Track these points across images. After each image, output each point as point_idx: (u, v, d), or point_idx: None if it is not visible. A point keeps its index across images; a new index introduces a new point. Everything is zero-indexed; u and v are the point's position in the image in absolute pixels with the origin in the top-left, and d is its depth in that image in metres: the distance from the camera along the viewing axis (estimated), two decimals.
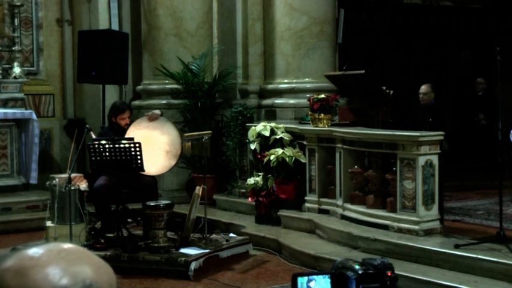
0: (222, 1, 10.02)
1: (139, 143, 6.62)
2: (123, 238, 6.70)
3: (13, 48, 10.06)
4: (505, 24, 13.33)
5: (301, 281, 1.65)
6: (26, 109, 9.74)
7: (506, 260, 5.44)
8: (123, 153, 6.61)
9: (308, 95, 8.05)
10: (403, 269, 5.60)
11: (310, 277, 1.66)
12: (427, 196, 6.37)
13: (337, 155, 7.29)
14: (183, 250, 6.61)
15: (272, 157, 7.76)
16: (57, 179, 7.20)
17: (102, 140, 6.75)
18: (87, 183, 7.21)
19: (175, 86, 9.53)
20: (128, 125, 7.25)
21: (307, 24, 8.98)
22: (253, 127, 8.22)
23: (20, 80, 9.89)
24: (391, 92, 7.60)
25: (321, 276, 1.66)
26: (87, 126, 7.64)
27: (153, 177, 7.08)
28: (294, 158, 7.75)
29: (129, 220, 7.44)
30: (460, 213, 7.50)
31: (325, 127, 7.57)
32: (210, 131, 7.79)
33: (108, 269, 1.16)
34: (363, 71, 7.33)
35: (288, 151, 7.79)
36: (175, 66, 9.41)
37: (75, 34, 10.20)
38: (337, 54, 9.64)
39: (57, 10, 10.72)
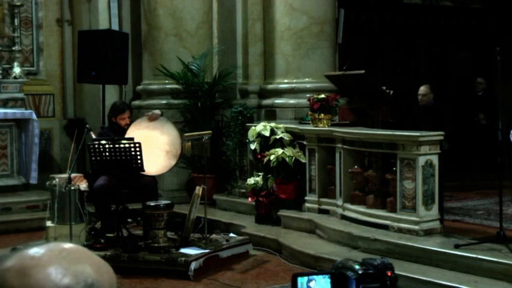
0: (222, 1, 10.02)
1: (139, 143, 6.62)
2: (123, 238, 6.70)
3: (13, 48, 10.06)
4: (505, 24, 13.33)
5: (301, 281, 1.65)
6: (26, 109, 9.74)
7: (506, 260, 5.44)
8: (123, 153, 6.61)
9: (308, 95, 8.05)
10: (403, 269, 5.60)
11: (310, 277, 1.66)
12: (427, 196, 6.37)
13: (337, 155, 7.29)
14: (183, 250, 6.61)
15: (272, 157, 7.76)
16: (57, 179, 7.20)
17: (102, 140, 6.75)
18: (87, 183, 7.21)
19: (175, 86, 9.53)
20: (128, 125, 7.25)
21: (307, 24, 8.98)
22: (253, 127, 8.22)
23: (20, 80, 9.89)
24: (391, 92, 7.60)
25: (321, 276, 1.66)
26: (87, 126, 7.64)
27: (153, 177, 7.08)
28: (294, 158, 7.76)
29: (129, 220, 7.44)
30: (460, 213, 7.50)
31: (325, 127, 7.57)
32: (210, 131, 7.79)
33: (108, 268, 1.16)
34: (363, 71, 7.33)
35: (288, 151, 7.79)
36: (175, 66, 9.41)
37: (75, 34, 10.20)
38: (337, 54, 9.64)
39: (57, 10, 10.72)
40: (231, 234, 7.42)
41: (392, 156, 6.65)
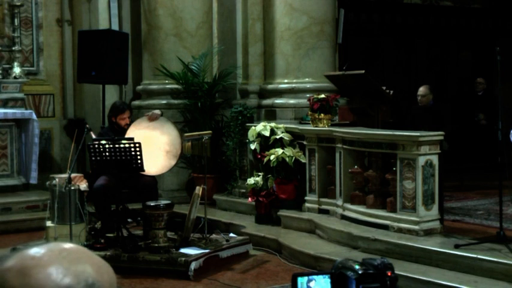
0: (222, 1, 10.02)
1: (139, 143, 6.62)
2: (123, 238, 6.70)
3: (13, 48, 10.06)
4: (505, 24, 13.33)
5: (301, 281, 1.65)
6: (26, 109, 9.74)
7: (506, 260, 5.44)
8: (123, 153, 6.61)
9: (308, 95, 8.06)
10: (403, 269, 5.60)
11: (310, 277, 1.66)
12: (427, 196, 6.37)
13: (337, 155, 7.29)
14: (183, 250, 6.61)
15: (272, 157, 7.76)
16: (57, 179, 7.20)
17: (102, 140, 6.75)
18: (87, 183, 7.21)
19: (175, 86, 9.53)
20: (128, 125, 7.26)
21: (307, 24, 8.98)
22: (253, 127, 8.22)
23: (20, 80, 9.89)
24: (391, 92, 7.60)
25: (321, 276, 1.66)
26: (87, 126, 7.64)
27: (153, 177, 7.08)
28: (294, 158, 7.76)
29: (129, 220, 7.44)
30: (460, 213, 7.50)
31: (325, 127, 7.57)
32: (210, 131, 7.79)
33: (109, 268, 1.16)
34: (363, 71, 7.33)
35: (288, 151, 7.79)
36: (175, 66, 9.41)
37: (75, 34, 10.20)
38: (337, 54, 9.64)
39: (57, 10, 10.72)
40: (231, 234, 7.42)
41: (392, 156, 6.65)
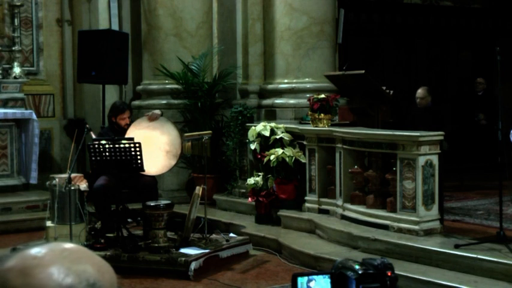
0: (222, 1, 10.02)
1: (139, 143, 6.62)
2: (123, 238, 6.70)
3: (13, 48, 10.06)
4: (505, 24, 13.34)
5: (301, 281, 1.65)
6: (26, 109, 9.74)
7: (506, 260, 5.44)
8: (123, 153, 6.61)
9: (308, 95, 8.06)
10: (403, 269, 5.60)
11: (310, 277, 1.66)
12: (427, 196, 6.37)
13: (337, 155, 7.29)
14: (183, 250, 6.62)
15: (272, 157, 7.76)
16: (57, 179, 7.20)
17: (102, 140, 6.75)
18: (87, 183, 7.21)
19: (175, 86, 9.53)
20: (128, 125, 7.26)
21: (307, 24, 8.98)
22: (253, 127, 8.22)
23: (20, 80, 9.89)
24: (391, 92, 7.60)
25: (321, 276, 1.66)
26: (87, 126, 7.64)
27: (153, 177, 7.08)
28: (294, 158, 7.76)
29: (129, 220, 7.44)
30: (460, 213, 7.50)
31: (325, 127, 7.57)
32: (210, 131, 7.79)
33: (109, 268, 1.16)
34: (363, 71, 7.33)
35: (288, 151, 7.79)
36: (175, 66, 9.41)
37: (75, 34, 10.20)
38: (337, 54, 9.64)
39: (57, 10, 10.72)
40: (231, 234, 7.42)
41: (392, 156, 6.65)
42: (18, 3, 10.07)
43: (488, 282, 5.40)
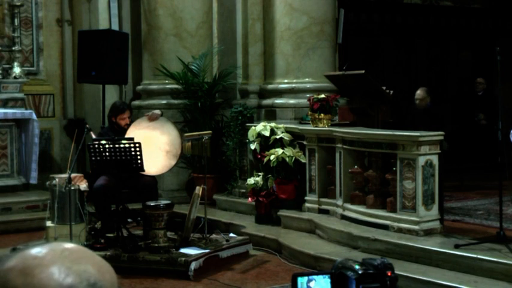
0: (222, 1, 10.02)
1: (139, 143, 6.62)
2: (123, 238, 6.70)
3: (13, 48, 10.06)
4: (505, 24, 13.34)
5: (301, 281, 1.65)
6: (26, 109, 9.74)
7: (506, 260, 5.44)
8: (123, 153, 6.61)
9: (308, 95, 8.06)
10: (403, 269, 5.60)
11: (310, 277, 1.66)
12: (427, 196, 6.37)
13: (337, 155, 7.29)
14: (183, 250, 6.62)
15: (272, 157, 7.76)
16: (57, 179, 7.20)
17: (102, 140, 6.75)
18: (87, 183, 7.21)
19: (175, 86, 9.53)
20: (128, 125, 7.26)
21: (307, 24, 8.98)
22: (253, 127, 8.22)
23: (20, 80, 9.89)
24: (391, 92, 7.60)
25: (321, 276, 1.66)
26: (87, 126, 7.64)
27: (153, 177, 7.08)
28: (294, 158, 7.76)
29: (129, 220, 7.44)
30: (460, 213, 7.50)
31: (325, 127, 7.57)
32: (210, 131, 7.79)
33: (110, 268, 1.16)
34: (363, 71, 7.33)
35: (288, 151, 7.79)
36: (175, 66, 9.41)
37: (75, 34, 10.20)
38: (337, 54, 9.64)
39: (57, 10, 10.72)
40: (231, 234, 7.42)
41: (392, 156, 6.65)
42: (18, 3, 10.07)
43: (488, 282, 5.40)
